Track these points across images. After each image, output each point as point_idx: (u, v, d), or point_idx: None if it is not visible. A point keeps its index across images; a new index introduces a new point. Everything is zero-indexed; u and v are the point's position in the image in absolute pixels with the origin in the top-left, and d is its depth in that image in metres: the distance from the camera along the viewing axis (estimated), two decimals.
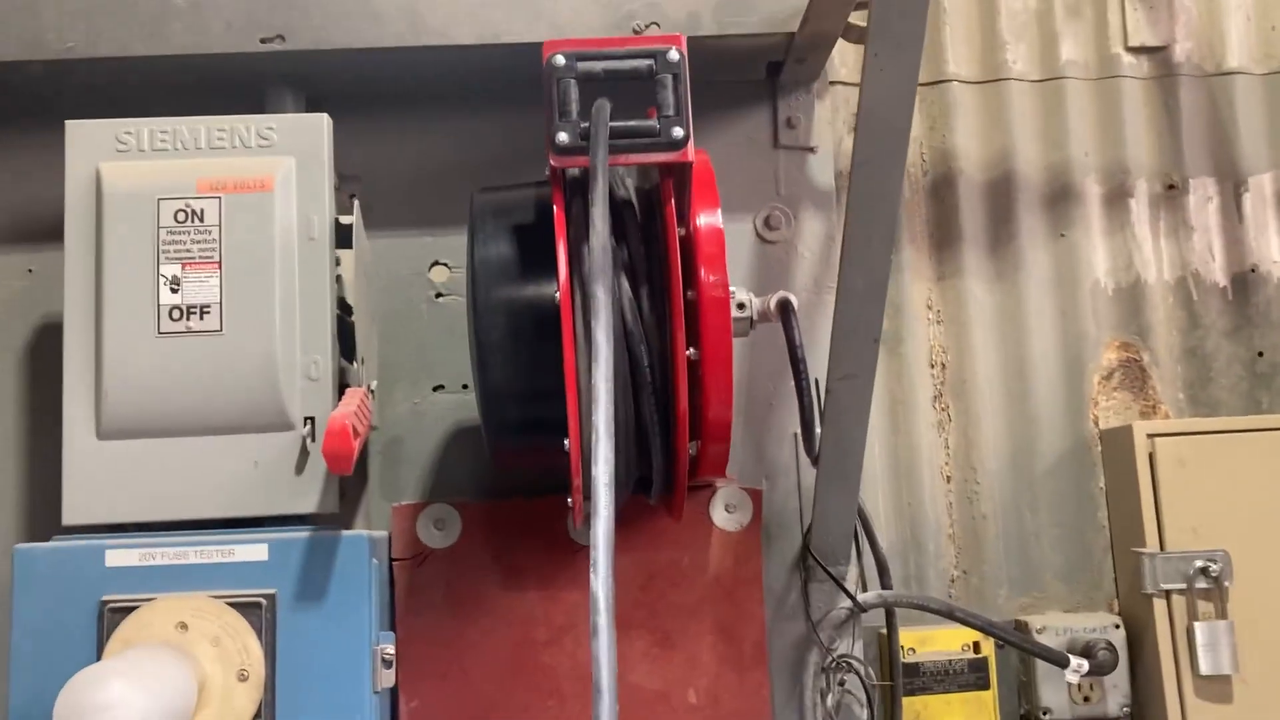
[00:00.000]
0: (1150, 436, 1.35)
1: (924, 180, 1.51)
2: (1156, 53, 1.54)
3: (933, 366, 1.49)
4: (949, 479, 1.46)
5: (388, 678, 1.13)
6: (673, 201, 1.03)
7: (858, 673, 1.28)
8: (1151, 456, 1.34)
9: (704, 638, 1.30)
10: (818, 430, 1.19)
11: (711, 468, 1.11)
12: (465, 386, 1.37)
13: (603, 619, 0.75)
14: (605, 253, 0.88)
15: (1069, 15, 1.55)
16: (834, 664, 1.29)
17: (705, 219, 1.03)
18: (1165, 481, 1.33)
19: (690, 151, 1.00)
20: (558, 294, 1.01)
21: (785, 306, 1.13)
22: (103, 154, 1.19)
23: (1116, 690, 1.34)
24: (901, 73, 0.94)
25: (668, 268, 1.02)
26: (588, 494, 1.08)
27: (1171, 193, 1.52)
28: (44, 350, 1.38)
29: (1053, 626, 1.35)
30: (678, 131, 0.98)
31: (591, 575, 0.75)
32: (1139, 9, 1.54)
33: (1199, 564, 1.29)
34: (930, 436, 1.47)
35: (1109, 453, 1.43)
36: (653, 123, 0.98)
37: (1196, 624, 1.28)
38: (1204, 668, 1.28)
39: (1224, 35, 1.53)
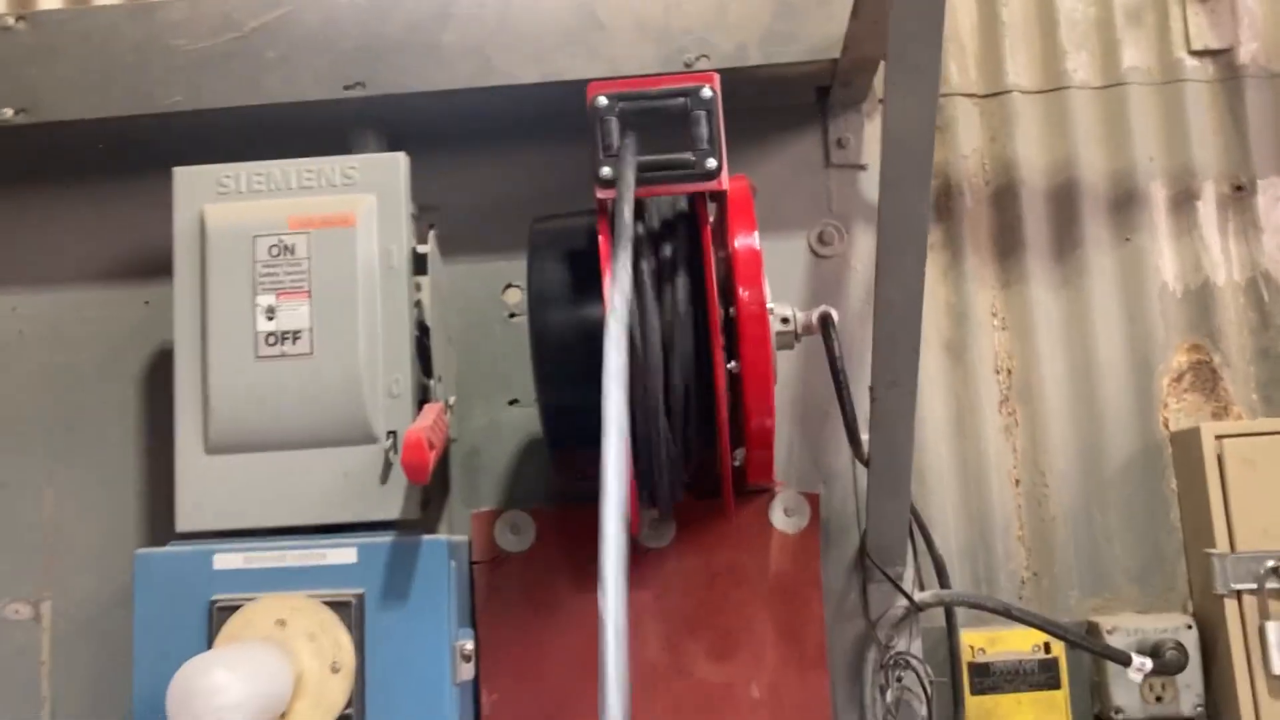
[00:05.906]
0: (1219, 438, 1.31)
1: (986, 190, 1.48)
2: (1220, 55, 1.50)
3: (998, 372, 1.45)
4: (1017, 482, 1.43)
5: (466, 671, 1.16)
6: (708, 227, 1.04)
7: (915, 669, 1.28)
8: (1220, 458, 1.30)
9: (766, 635, 1.29)
10: (863, 436, 1.20)
11: (759, 473, 1.12)
12: None
13: (610, 630, 0.67)
14: (626, 281, 0.88)
15: (1130, 22, 1.50)
16: (892, 661, 1.28)
17: (742, 241, 1.05)
18: (1234, 482, 1.30)
19: (724, 181, 1.03)
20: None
21: (825, 320, 1.15)
22: (206, 196, 1.25)
23: (1189, 690, 1.30)
24: (921, 96, 0.94)
25: (704, 288, 1.04)
26: (649, 501, 1.15)
27: (1239, 194, 1.47)
28: (160, 375, 1.42)
29: (1124, 627, 1.32)
30: (711, 163, 1.02)
31: (600, 593, 0.68)
32: (1200, 13, 1.50)
33: (1270, 564, 1.26)
34: (997, 441, 1.43)
35: (1179, 454, 1.40)
36: (687, 155, 1.02)
37: (1268, 624, 1.25)
38: (1277, 667, 1.24)
39: None
